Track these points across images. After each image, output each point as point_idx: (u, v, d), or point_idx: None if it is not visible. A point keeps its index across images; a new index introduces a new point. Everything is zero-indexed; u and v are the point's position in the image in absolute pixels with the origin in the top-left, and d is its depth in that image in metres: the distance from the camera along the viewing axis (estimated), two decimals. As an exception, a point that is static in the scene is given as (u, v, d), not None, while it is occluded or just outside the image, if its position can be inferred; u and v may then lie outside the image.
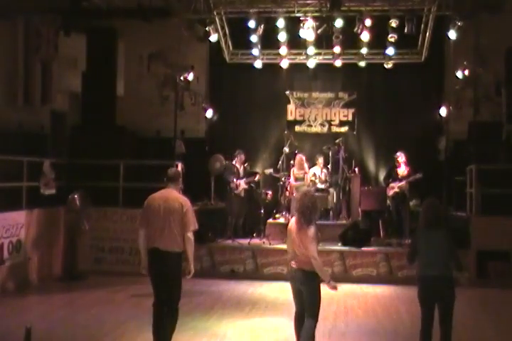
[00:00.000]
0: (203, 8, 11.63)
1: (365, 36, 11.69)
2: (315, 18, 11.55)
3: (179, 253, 5.81)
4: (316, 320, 5.59)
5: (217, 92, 13.60)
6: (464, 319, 7.62)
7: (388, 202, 11.37)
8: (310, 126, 13.46)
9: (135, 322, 7.28)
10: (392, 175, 11.32)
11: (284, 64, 12.87)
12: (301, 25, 11.57)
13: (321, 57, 12.92)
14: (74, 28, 11.16)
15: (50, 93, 11.05)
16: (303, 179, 11.59)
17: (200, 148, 12.70)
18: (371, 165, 13.16)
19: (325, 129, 13.37)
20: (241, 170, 11.68)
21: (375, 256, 10.19)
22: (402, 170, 11.20)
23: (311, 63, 12.86)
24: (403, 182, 11.06)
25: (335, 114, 13.40)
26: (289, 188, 11.60)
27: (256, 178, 11.70)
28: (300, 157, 11.72)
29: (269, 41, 12.47)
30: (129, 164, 11.15)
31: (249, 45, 12.53)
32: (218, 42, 12.66)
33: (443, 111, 12.30)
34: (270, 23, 11.81)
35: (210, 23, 11.66)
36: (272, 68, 13.06)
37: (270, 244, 10.62)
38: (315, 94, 13.47)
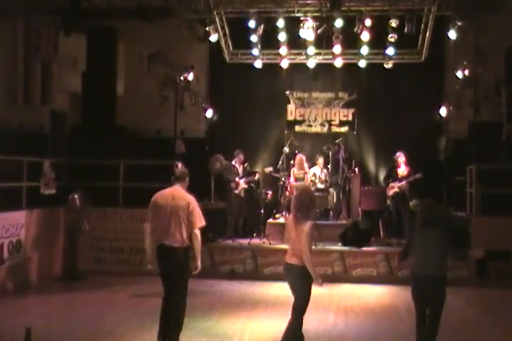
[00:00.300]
0: (203, 8, 11.63)
1: (365, 36, 11.69)
2: (315, 18, 11.54)
3: (186, 249, 5.95)
4: (302, 315, 5.63)
5: (217, 92, 13.60)
6: (464, 319, 7.65)
7: (388, 202, 11.38)
8: (310, 126, 13.46)
9: (135, 322, 7.29)
10: (392, 175, 11.32)
11: (284, 64, 12.86)
12: (301, 25, 11.57)
13: (321, 57, 12.91)
14: (74, 28, 11.17)
15: (50, 93, 11.06)
16: (303, 179, 11.60)
17: (200, 148, 12.70)
18: (371, 165, 13.16)
19: (325, 129, 13.37)
20: (240, 170, 11.69)
21: (375, 256, 10.19)
22: (402, 170, 11.20)
23: (311, 63, 12.86)
24: (403, 182, 11.07)
25: (335, 114, 13.40)
26: (289, 188, 11.61)
27: (256, 177, 11.70)
28: (300, 157, 11.73)
29: (269, 41, 12.46)
30: (129, 164, 11.16)
31: (249, 45, 12.53)
32: (218, 42, 12.66)
33: (443, 111, 12.31)
34: (270, 23, 11.81)
35: (210, 23, 11.66)
36: (272, 68, 13.05)
37: (270, 244, 10.62)
38: (315, 94, 13.47)
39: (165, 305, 6.02)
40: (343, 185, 11.96)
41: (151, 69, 11.26)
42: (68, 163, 11.15)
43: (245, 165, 11.81)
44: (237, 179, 11.51)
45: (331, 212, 11.81)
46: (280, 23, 11.83)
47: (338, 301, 8.62)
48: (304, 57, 12.85)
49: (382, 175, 12.36)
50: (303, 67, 12.99)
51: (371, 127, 13.21)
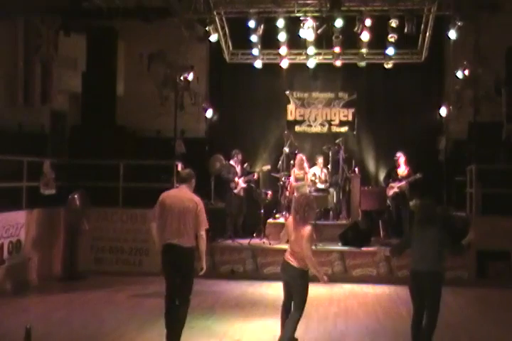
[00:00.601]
0: (203, 8, 11.62)
1: (365, 36, 11.68)
2: (315, 18, 11.55)
3: (192, 249, 6.09)
4: (301, 313, 5.89)
5: (217, 92, 13.59)
6: (464, 319, 7.65)
7: (388, 202, 11.39)
8: (310, 126, 13.46)
9: (135, 322, 7.30)
10: (392, 175, 11.33)
11: (284, 64, 12.86)
12: (301, 25, 11.57)
13: (321, 57, 12.90)
14: (74, 28, 11.17)
15: (50, 93, 11.04)
16: (303, 179, 11.59)
17: (200, 148, 12.69)
18: (371, 165, 13.15)
19: (325, 129, 13.37)
20: (238, 169, 11.70)
21: (375, 256, 10.19)
22: (402, 170, 11.21)
23: (311, 63, 12.85)
24: (403, 182, 11.08)
25: (335, 114, 13.39)
26: (289, 188, 11.60)
27: (255, 176, 11.71)
28: (300, 157, 11.72)
29: (269, 41, 12.45)
30: (129, 164, 11.15)
31: (249, 45, 12.52)
32: (218, 42, 12.65)
33: (443, 111, 12.31)
34: (270, 23, 11.81)
35: (210, 23, 11.66)
36: (272, 68, 13.04)
37: (270, 244, 10.62)
38: (315, 94, 13.46)
39: (168, 305, 6.10)
40: (343, 185, 11.96)
41: (151, 69, 11.25)
42: (68, 163, 11.16)
43: (245, 165, 11.81)
44: (236, 179, 11.51)
45: (331, 212, 11.81)
46: (280, 23, 11.83)
47: (338, 301, 8.62)
48: (304, 57, 12.84)
49: (382, 175, 12.37)
50: (303, 67, 12.99)
51: (371, 127, 13.20)
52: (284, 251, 6.10)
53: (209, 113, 13.03)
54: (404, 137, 12.57)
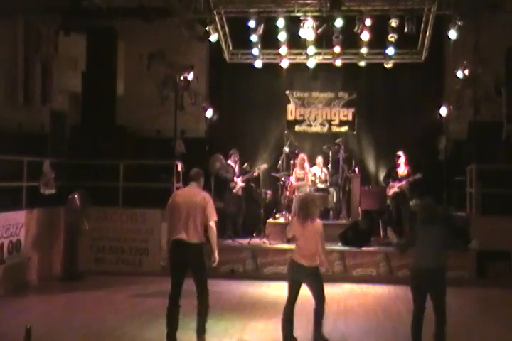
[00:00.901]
0: (203, 8, 11.62)
1: (365, 36, 11.68)
2: (315, 18, 11.55)
3: (201, 245, 6.19)
4: (324, 304, 6.22)
5: (217, 92, 13.59)
6: (464, 319, 7.64)
7: (388, 202, 11.38)
8: (310, 125, 13.46)
9: (135, 322, 7.29)
10: (391, 175, 11.33)
11: (284, 64, 12.85)
12: (301, 25, 11.57)
13: (321, 57, 12.89)
14: (74, 28, 11.18)
15: (50, 93, 11.04)
16: (303, 179, 11.59)
17: (200, 148, 12.68)
18: (371, 165, 13.15)
19: (325, 129, 13.37)
20: (236, 169, 11.69)
21: (375, 256, 10.19)
22: (402, 170, 11.21)
23: (311, 63, 12.84)
24: (403, 182, 11.08)
25: (335, 114, 13.39)
26: (289, 188, 11.60)
27: (255, 174, 11.71)
28: (302, 157, 11.72)
29: (269, 41, 12.45)
30: (129, 164, 11.16)
31: (249, 45, 12.51)
32: (218, 42, 12.65)
33: (443, 111, 12.30)
34: (270, 23, 11.81)
35: (210, 23, 11.65)
36: (272, 68, 13.04)
37: (270, 243, 10.62)
38: (315, 94, 13.46)
39: (171, 305, 6.15)
40: (343, 184, 11.96)
41: (151, 69, 11.25)
42: (68, 163, 11.15)
43: (245, 165, 11.81)
44: (234, 178, 11.52)
45: (331, 212, 11.80)
46: (280, 22, 11.82)
47: (338, 301, 8.62)
48: (304, 57, 12.83)
49: (382, 175, 12.35)
50: (303, 67, 12.98)
51: (371, 127, 13.19)
52: (284, 250, 6.14)
53: (209, 113, 13.01)
54: (404, 137, 12.56)
